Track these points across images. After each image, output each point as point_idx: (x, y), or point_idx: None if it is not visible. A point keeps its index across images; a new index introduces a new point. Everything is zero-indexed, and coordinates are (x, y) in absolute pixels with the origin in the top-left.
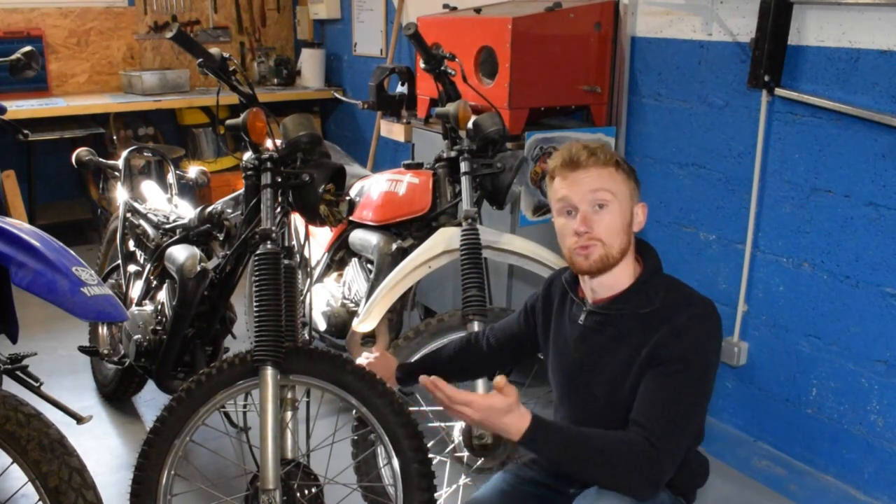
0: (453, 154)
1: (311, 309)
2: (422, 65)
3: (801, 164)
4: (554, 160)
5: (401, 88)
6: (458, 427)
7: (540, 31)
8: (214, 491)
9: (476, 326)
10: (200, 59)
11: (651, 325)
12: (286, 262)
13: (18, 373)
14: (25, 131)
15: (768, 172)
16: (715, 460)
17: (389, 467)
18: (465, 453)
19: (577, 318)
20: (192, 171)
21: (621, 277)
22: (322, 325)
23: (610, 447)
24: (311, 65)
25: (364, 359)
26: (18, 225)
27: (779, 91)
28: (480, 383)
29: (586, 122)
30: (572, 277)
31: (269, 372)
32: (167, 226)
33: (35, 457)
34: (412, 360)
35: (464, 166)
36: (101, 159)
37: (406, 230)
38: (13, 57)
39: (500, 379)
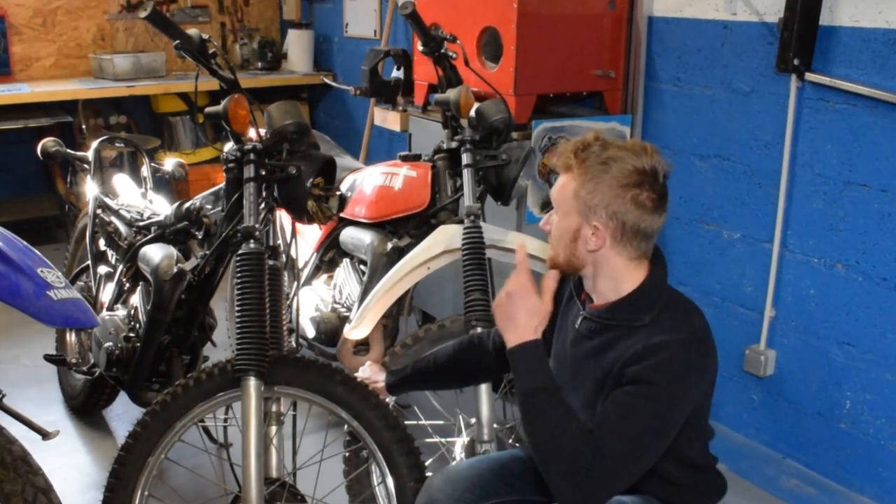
0: (454, 145)
1: (298, 314)
2: (419, 47)
3: (834, 155)
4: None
5: (396, 73)
6: (459, 443)
7: (548, 10)
8: None
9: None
10: (177, 41)
11: (634, 339)
12: (271, 262)
13: None
14: None
15: (798, 165)
16: (740, 479)
17: (383, 487)
18: None
19: (575, 322)
20: (169, 163)
21: (621, 286)
22: (310, 332)
23: (567, 432)
24: (298, 47)
25: (362, 372)
26: None
27: (809, 76)
28: (484, 389)
29: (599, 109)
30: (577, 279)
31: (252, 383)
32: (141, 223)
33: None
34: (404, 366)
35: (465, 158)
36: (68, 150)
37: (402, 228)
38: None
39: (550, 274)
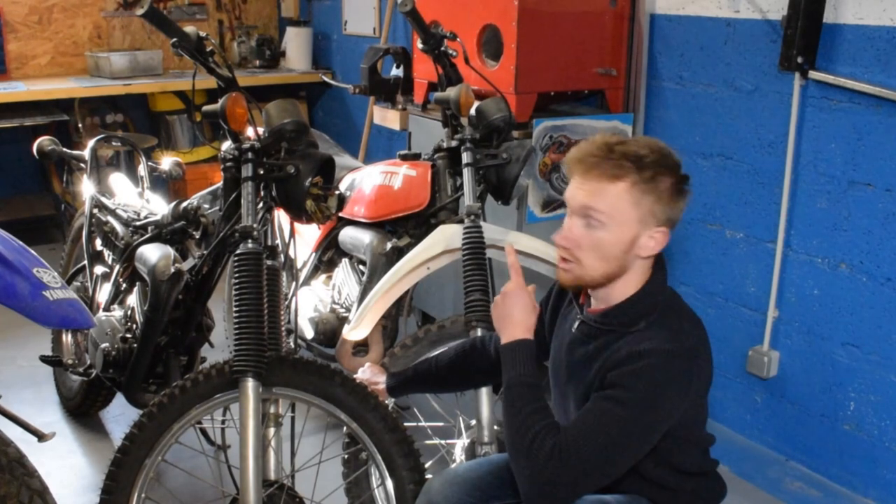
0: (454, 144)
1: (296, 315)
2: (419, 45)
3: (838, 154)
4: (571, 151)
5: (396, 71)
6: (459, 445)
7: (549, 7)
8: None
9: (479, 334)
10: (174, 39)
11: (622, 343)
12: (269, 262)
13: None
14: None
15: (801, 164)
16: (742, 481)
17: (383, 489)
18: None
19: (573, 324)
20: (166, 162)
21: (621, 290)
22: (309, 333)
23: (534, 427)
24: (296, 45)
25: (362, 373)
26: None
27: (813, 74)
28: (484, 390)
29: (601, 108)
30: None
31: (250, 384)
32: (138, 223)
33: None
34: (405, 368)
35: (466, 157)
36: (64, 149)
37: (402, 228)
38: None
39: (530, 287)
